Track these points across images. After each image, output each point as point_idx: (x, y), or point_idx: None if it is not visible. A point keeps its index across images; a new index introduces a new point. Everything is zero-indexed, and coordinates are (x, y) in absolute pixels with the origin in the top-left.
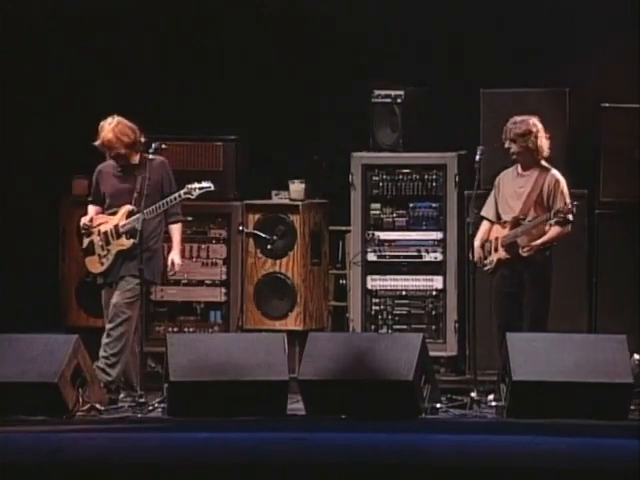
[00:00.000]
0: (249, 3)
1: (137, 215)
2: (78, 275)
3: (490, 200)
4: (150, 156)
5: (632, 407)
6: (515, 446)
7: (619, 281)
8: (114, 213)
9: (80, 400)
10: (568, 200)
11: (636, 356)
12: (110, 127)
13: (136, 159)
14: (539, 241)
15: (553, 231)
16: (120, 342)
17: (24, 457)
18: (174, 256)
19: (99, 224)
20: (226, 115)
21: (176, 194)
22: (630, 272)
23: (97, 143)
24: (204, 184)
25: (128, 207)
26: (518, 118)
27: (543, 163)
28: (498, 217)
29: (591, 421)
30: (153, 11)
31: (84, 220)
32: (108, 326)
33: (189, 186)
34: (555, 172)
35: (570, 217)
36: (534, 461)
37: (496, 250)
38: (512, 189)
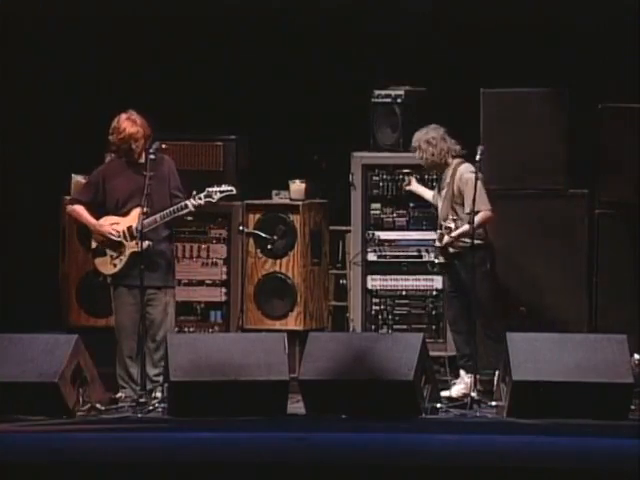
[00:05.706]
0: (249, 3)
1: (154, 217)
2: (78, 275)
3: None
4: (152, 156)
5: (632, 407)
6: (515, 446)
7: (619, 281)
8: (125, 214)
9: (80, 400)
10: (470, 201)
11: (636, 356)
12: (131, 120)
13: (143, 157)
14: (454, 234)
15: (465, 225)
16: None
17: (24, 457)
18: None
19: (111, 224)
20: (226, 115)
21: (197, 197)
22: (630, 272)
23: (119, 137)
24: (224, 187)
25: (140, 209)
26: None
27: (452, 162)
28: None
29: (591, 421)
30: (153, 11)
31: (108, 229)
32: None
33: (209, 189)
34: (462, 168)
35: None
36: (534, 461)
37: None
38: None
